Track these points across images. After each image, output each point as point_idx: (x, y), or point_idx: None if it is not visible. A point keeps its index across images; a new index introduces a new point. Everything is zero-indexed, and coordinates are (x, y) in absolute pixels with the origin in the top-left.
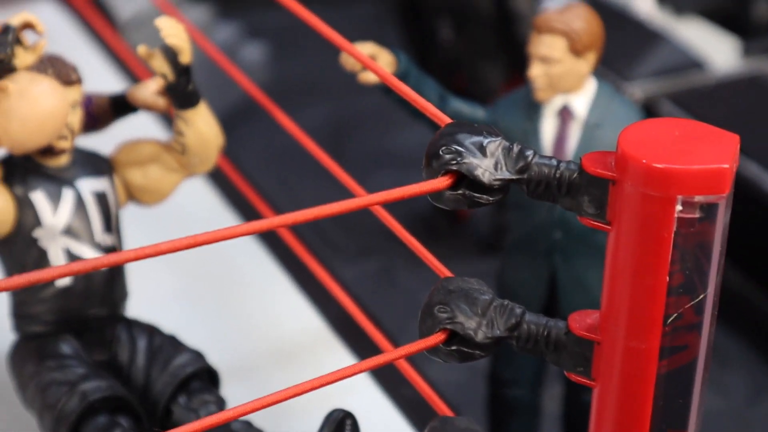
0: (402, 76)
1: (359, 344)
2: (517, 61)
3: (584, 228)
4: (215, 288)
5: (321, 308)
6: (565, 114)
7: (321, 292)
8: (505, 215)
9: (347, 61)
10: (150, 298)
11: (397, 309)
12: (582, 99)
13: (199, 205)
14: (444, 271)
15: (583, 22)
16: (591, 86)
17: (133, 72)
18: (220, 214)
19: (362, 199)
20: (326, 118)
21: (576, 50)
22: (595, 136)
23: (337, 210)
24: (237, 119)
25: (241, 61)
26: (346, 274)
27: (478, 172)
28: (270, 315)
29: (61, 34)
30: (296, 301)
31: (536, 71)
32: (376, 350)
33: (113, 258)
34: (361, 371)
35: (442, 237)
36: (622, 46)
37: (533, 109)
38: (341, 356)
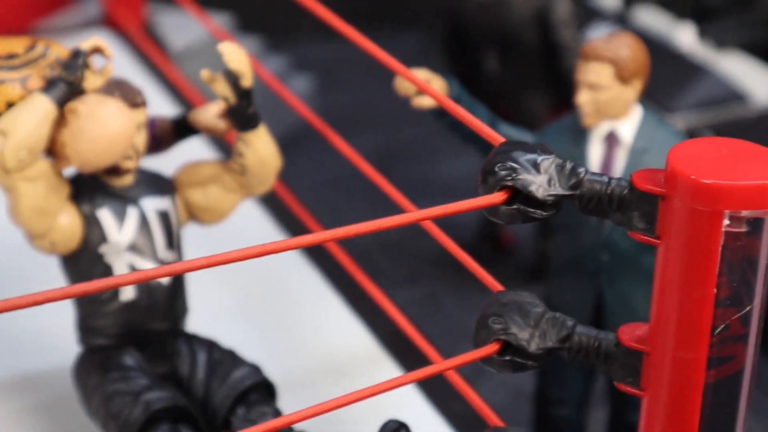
0: (455, 100)
1: (409, 360)
2: (561, 92)
3: (631, 250)
4: (269, 306)
5: (371, 326)
6: (611, 140)
7: (371, 310)
8: (548, 243)
9: (401, 86)
10: (208, 316)
11: (444, 334)
12: (628, 125)
13: (255, 229)
14: (496, 287)
15: (630, 50)
16: (637, 113)
17: (187, 99)
18: (275, 237)
19: (419, 213)
20: (371, 149)
21: (623, 77)
22: (641, 162)
23: (395, 223)
24: (286, 149)
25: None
26: (393, 299)
27: (533, 188)
28: (322, 333)
29: (116, 62)
30: (347, 320)
31: (584, 98)
32: (426, 365)
33: (173, 267)
34: (414, 380)
35: (486, 265)
36: (665, 79)
37: (580, 134)
38: (392, 371)
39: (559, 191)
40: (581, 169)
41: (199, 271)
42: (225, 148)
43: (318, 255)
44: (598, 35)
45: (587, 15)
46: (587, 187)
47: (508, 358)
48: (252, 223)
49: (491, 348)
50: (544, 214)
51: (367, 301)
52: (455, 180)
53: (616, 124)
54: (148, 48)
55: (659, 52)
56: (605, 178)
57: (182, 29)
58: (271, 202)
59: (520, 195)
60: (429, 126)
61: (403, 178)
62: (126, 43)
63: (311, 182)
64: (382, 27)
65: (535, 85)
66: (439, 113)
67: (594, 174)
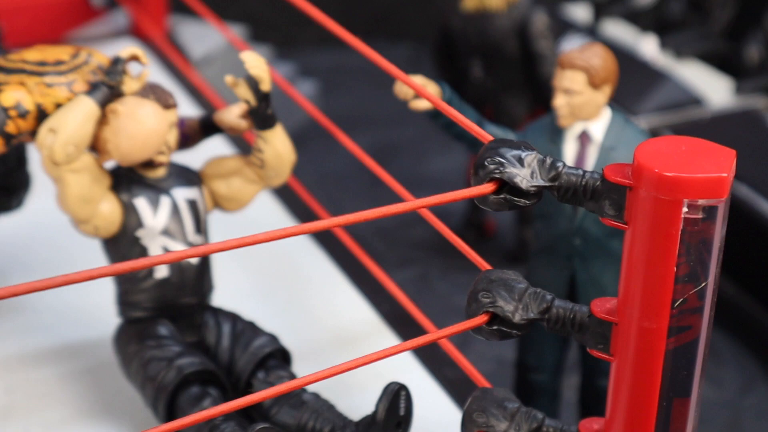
0: (447, 103)
1: (406, 331)
2: (539, 97)
3: (600, 235)
4: (283, 286)
5: (373, 302)
6: (584, 138)
7: (372, 288)
8: (526, 230)
9: (401, 90)
10: (231, 294)
11: (434, 310)
12: (599, 125)
13: (269, 215)
14: (484, 267)
15: (600, 59)
16: (606, 114)
17: (207, 101)
18: (286, 224)
19: (419, 201)
20: (368, 147)
21: (594, 83)
22: (610, 157)
23: (398, 210)
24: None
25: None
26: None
27: (517, 180)
28: (330, 308)
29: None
30: (352, 297)
31: (560, 101)
32: (421, 335)
33: (202, 249)
34: (413, 348)
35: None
36: (630, 85)
37: (557, 133)
38: (392, 341)
39: (541, 182)
40: (559, 164)
41: (223, 253)
42: (242, 145)
43: (325, 240)
44: (572, 46)
45: (561, 27)
46: (565, 179)
47: (495, 327)
48: (266, 211)
49: (481, 319)
50: (528, 202)
51: (368, 280)
52: (443, 174)
53: (588, 124)
54: (172, 55)
55: (625, 60)
56: (580, 171)
57: (201, 38)
58: (283, 193)
59: (506, 186)
60: (419, 127)
61: (397, 173)
62: (151, 51)
63: (314, 176)
64: (376, 39)
65: (516, 90)
66: (434, 114)
67: (570, 168)
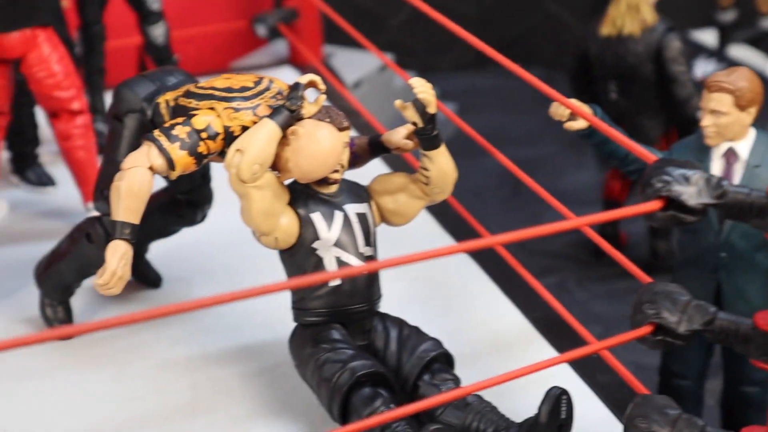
0: None
1: (557, 337)
2: (673, 117)
3: (746, 249)
4: (439, 293)
5: (523, 310)
6: (730, 156)
7: (523, 295)
8: (658, 242)
9: (557, 111)
10: (393, 300)
11: (574, 316)
12: (744, 144)
13: (423, 228)
14: (645, 279)
15: (747, 81)
16: (752, 134)
17: (362, 121)
18: (438, 235)
19: (583, 219)
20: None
21: (740, 105)
22: (755, 175)
23: (560, 228)
24: None
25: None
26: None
27: (684, 197)
28: (483, 314)
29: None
30: (503, 303)
31: (707, 122)
32: (573, 343)
33: (385, 263)
34: (574, 358)
35: (607, 259)
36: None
37: (704, 152)
38: (543, 347)
39: (707, 200)
40: (725, 182)
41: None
42: (396, 163)
43: (476, 252)
44: (702, 69)
45: (690, 50)
46: (731, 197)
47: (659, 338)
48: (419, 222)
49: (646, 329)
50: (694, 219)
51: (518, 287)
52: (577, 188)
53: (734, 143)
54: (328, 79)
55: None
56: (746, 190)
57: (352, 65)
58: (434, 205)
59: (673, 203)
60: (552, 145)
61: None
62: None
63: (457, 189)
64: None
65: (650, 111)
66: (588, 134)
67: (735, 186)
